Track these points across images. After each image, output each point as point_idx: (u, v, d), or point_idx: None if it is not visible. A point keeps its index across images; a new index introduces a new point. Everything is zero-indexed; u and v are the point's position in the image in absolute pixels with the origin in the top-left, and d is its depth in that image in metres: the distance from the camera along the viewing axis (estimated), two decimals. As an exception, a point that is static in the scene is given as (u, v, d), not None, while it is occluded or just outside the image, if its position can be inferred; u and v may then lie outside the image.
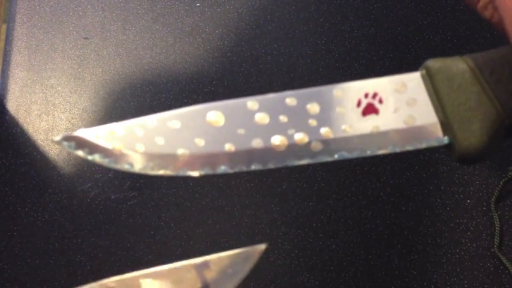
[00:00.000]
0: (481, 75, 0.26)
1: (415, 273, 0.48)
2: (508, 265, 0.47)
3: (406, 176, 0.51)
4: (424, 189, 0.51)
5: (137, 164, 0.26)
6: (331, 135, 0.26)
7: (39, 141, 0.57)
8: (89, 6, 0.62)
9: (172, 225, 0.52)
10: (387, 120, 0.26)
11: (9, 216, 0.54)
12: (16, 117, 0.58)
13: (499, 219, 0.48)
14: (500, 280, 0.47)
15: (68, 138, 0.26)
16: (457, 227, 0.49)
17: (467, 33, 0.56)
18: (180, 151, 0.26)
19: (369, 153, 0.26)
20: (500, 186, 0.49)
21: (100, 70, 0.59)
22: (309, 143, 0.26)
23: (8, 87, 0.60)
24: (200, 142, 0.26)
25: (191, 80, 0.58)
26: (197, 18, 0.60)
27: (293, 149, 0.26)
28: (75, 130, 0.27)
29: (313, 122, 0.26)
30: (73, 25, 0.62)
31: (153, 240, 0.51)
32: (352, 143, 0.26)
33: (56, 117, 0.58)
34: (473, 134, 0.26)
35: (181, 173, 0.26)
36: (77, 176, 0.54)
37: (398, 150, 0.26)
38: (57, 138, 0.26)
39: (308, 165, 0.52)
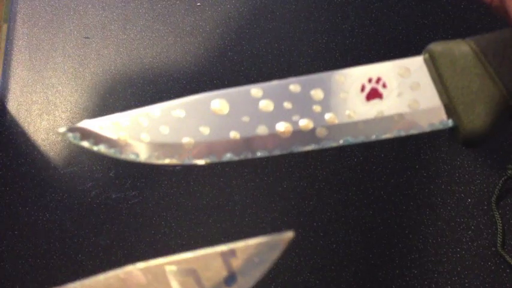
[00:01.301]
0: (484, 58, 0.26)
1: (416, 272, 0.48)
2: None
3: (406, 175, 0.51)
4: (424, 188, 0.50)
5: (143, 153, 0.26)
6: (335, 121, 0.26)
7: (40, 140, 0.57)
8: (90, 6, 0.62)
9: (173, 224, 0.52)
10: (391, 104, 0.26)
11: (10, 216, 0.54)
12: (17, 116, 0.58)
13: (501, 218, 0.48)
14: (501, 279, 0.47)
15: (72, 130, 0.26)
16: (457, 226, 0.49)
17: (468, 32, 0.56)
18: (185, 140, 0.26)
19: (373, 137, 0.26)
20: (500, 184, 0.49)
21: (101, 69, 0.59)
22: (313, 129, 0.26)
23: (9, 87, 0.60)
24: (205, 130, 0.26)
25: (192, 79, 0.58)
26: (198, 17, 0.60)
27: (298, 135, 0.26)
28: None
29: (317, 108, 0.26)
30: (74, 25, 0.62)
31: (154, 239, 0.51)
32: (357, 128, 0.26)
33: (57, 117, 0.58)
34: (477, 116, 0.26)
35: (186, 161, 0.26)
36: (78, 175, 0.54)
37: (403, 134, 0.26)
38: (62, 129, 0.26)
39: (309, 164, 0.53)
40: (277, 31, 0.59)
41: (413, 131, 0.26)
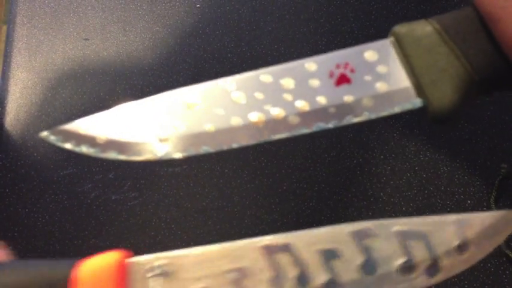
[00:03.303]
0: (447, 36, 0.27)
1: (415, 273, 0.48)
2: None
3: (406, 177, 0.51)
4: (424, 190, 0.51)
5: (122, 151, 0.27)
6: (306, 108, 0.27)
7: (39, 142, 0.57)
8: (89, 8, 0.62)
9: (172, 226, 0.52)
10: (360, 88, 0.27)
11: (10, 218, 0.54)
12: (16, 118, 0.58)
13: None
14: (500, 280, 0.47)
15: (54, 132, 0.27)
16: (457, 228, 0.49)
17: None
18: (163, 135, 0.27)
19: (345, 122, 0.27)
20: (496, 184, 0.49)
21: (100, 71, 0.59)
22: (286, 117, 0.27)
23: (9, 89, 0.60)
24: (181, 125, 0.27)
25: (191, 80, 0.57)
26: (197, 20, 0.61)
27: (271, 124, 0.27)
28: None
29: (288, 97, 0.27)
30: (73, 26, 0.62)
31: (154, 241, 0.51)
32: (328, 114, 0.27)
33: (56, 119, 0.58)
34: (444, 94, 0.26)
35: (164, 156, 0.27)
36: (77, 177, 0.54)
37: (374, 116, 0.27)
38: (44, 133, 0.27)
39: (309, 166, 0.53)
40: (276, 33, 0.59)
41: (384, 113, 0.27)
